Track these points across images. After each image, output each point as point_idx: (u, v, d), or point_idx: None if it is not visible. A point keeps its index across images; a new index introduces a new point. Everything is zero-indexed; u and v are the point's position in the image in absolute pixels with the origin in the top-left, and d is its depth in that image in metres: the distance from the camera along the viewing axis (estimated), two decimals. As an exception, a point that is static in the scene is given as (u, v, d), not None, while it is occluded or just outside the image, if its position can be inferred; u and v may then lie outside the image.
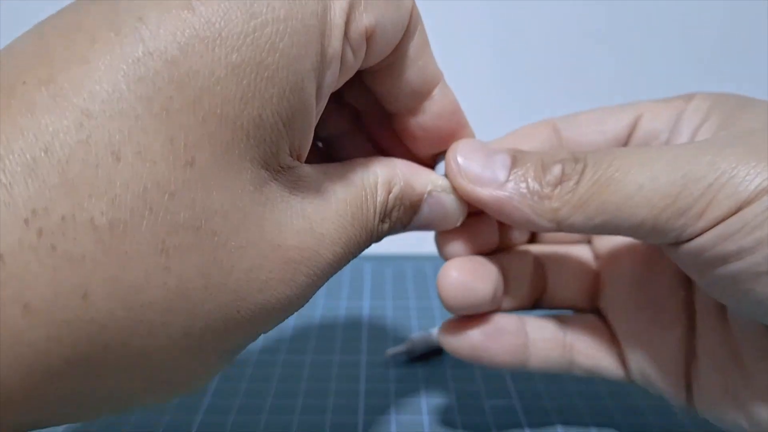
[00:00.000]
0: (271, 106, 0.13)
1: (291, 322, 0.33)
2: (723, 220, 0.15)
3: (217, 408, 0.25)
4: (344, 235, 0.16)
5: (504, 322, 0.21)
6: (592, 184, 0.17)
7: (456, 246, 0.21)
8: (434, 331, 0.30)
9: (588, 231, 0.17)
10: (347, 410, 0.25)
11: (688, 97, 0.20)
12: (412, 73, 0.18)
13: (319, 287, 0.16)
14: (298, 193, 0.15)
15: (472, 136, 0.20)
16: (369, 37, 0.15)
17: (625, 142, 0.21)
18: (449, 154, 0.19)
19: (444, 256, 0.21)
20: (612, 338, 0.22)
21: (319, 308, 0.35)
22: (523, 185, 0.18)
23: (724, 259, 0.15)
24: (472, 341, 0.21)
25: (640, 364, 0.21)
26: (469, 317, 0.21)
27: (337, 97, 0.19)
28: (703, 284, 0.17)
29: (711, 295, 0.18)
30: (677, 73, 0.43)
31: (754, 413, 0.18)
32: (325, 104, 0.16)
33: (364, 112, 0.21)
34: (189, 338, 0.13)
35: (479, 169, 0.18)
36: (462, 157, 0.19)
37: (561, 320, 0.22)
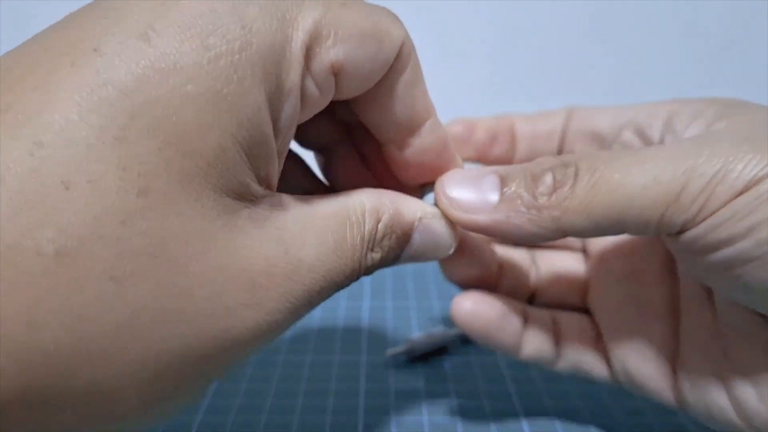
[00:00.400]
0: (230, 135, 0.13)
1: (291, 322, 0.33)
2: (719, 210, 0.15)
3: (217, 408, 0.25)
4: (326, 263, 0.16)
5: (512, 306, 0.22)
6: (591, 187, 0.17)
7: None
8: (434, 331, 0.30)
9: (593, 234, 0.17)
10: (347, 410, 0.25)
11: (685, 101, 0.20)
12: (399, 108, 0.18)
13: (297, 315, 0.16)
14: (274, 221, 0.15)
15: (455, 160, 0.20)
16: (337, 72, 0.15)
17: (614, 140, 0.22)
18: (438, 189, 0.19)
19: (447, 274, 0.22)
20: (598, 337, 0.22)
21: (318, 309, 0.35)
22: (518, 201, 0.17)
23: (717, 246, 0.16)
24: (488, 319, 0.21)
25: (624, 361, 0.21)
26: (482, 297, 0.21)
27: (329, 111, 0.19)
28: (696, 271, 0.17)
29: (703, 282, 0.18)
30: (677, 73, 0.43)
31: (743, 402, 0.18)
32: (292, 135, 0.16)
33: (356, 129, 0.21)
34: (145, 368, 0.13)
35: (470, 196, 0.18)
36: (450, 189, 0.19)
37: (553, 314, 0.23)
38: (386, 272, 0.40)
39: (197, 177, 0.13)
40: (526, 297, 0.23)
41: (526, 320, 0.22)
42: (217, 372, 0.15)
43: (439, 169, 0.19)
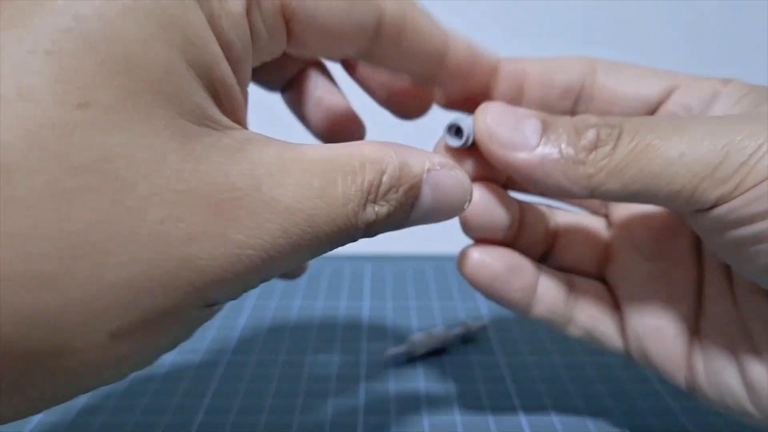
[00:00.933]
0: (176, 50, 0.13)
1: (291, 321, 0.33)
2: (756, 185, 0.15)
3: (217, 408, 0.25)
4: (308, 206, 0.14)
5: (523, 260, 0.21)
6: (630, 151, 0.16)
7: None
8: (434, 331, 0.30)
9: (621, 199, 0.17)
10: (347, 410, 0.25)
11: (726, 81, 0.20)
12: (412, 58, 0.18)
13: (279, 261, 0.14)
14: (246, 155, 0.14)
15: (493, 62, 0.20)
16: (289, 18, 0.15)
17: (654, 110, 0.20)
18: (478, 116, 0.18)
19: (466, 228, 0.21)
20: (615, 307, 0.22)
21: (319, 308, 0.35)
22: (556, 150, 0.17)
23: (749, 220, 0.16)
24: (495, 271, 0.20)
25: (641, 336, 0.21)
26: (490, 249, 0.20)
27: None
28: (720, 249, 0.17)
29: (728, 260, 0.18)
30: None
31: (758, 388, 0.18)
32: (248, 72, 0.15)
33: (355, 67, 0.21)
34: (102, 297, 0.12)
35: (509, 133, 0.18)
36: (491, 121, 0.18)
37: (568, 277, 0.22)
38: (386, 272, 0.40)
39: (145, 93, 0.13)
40: (541, 254, 0.23)
41: (538, 278, 0.21)
42: (193, 312, 0.14)
43: (480, 91, 0.20)
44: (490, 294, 0.20)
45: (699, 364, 0.20)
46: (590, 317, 0.21)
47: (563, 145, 0.17)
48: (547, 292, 0.21)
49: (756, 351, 0.18)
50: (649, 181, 0.16)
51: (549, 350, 0.30)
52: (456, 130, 0.19)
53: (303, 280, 0.39)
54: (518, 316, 0.22)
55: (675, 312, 0.20)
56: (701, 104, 0.19)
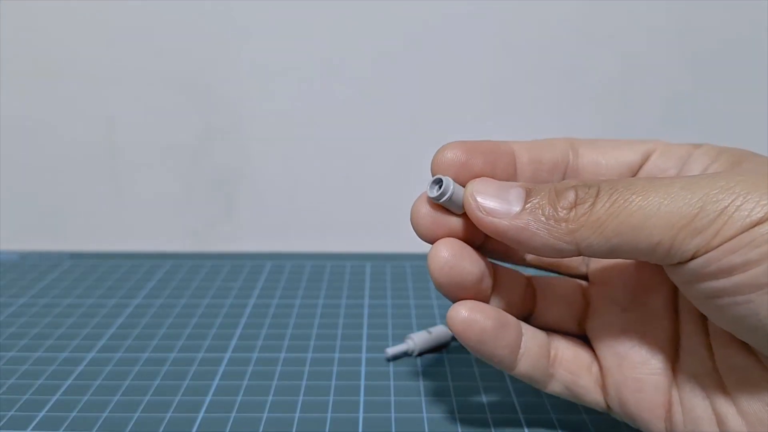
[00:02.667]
0: None
1: (291, 320, 0.33)
2: (735, 236, 0.16)
3: (218, 406, 0.26)
4: None
5: (508, 317, 0.21)
6: (609, 207, 0.17)
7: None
8: (434, 329, 0.30)
9: (604, 253, 0.18)
10: (347, 408, 0.25)
11: (698, 145, 0.21)
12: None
13: None
14: None
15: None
16: None
17: (635, 174, 0.22)
18: (467, 192, 0.20)
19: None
20: (594, 361, 0.22)
21: (319, 307, 0.35)
22: (539, 212, 0.18)
23: (729, 271, 0.16)
24: (484, 327, 0.21)
25: (620, 388, 0.21)
26: (478, 305, 0.21)
27: None
28: (701, 299, 0.18)
29: (704, 311, 0.18)
30: (676, 74, 0.43)
31: None
32: None
33: None
34: None
35: (495, 203, 0.19)
36: (478, 191, 0.19)
37: (549, 334, 0.23)
38: (386, 271, 0.40)
39: None
40: (523, 315, 0.23)
41: (521, 335, 0.22)
42: None
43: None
44: (478, 350, 0.21)
45: (677, 416, 0.20)
46: (570, 373, 0.22)
47: (545, 207, 0.18)
48: (531, 349, 0.21)
49: (732, 402, 0.19)
50: (629, 234, 0.17)
51: (548, 348, 0.30)
52: (438, 182, 0.20)
53: (304, 278, 0.39)
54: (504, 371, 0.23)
55: (652, 364, 0.21)
56: (677, 166, 0.21)
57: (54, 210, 0.46)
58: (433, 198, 0.20)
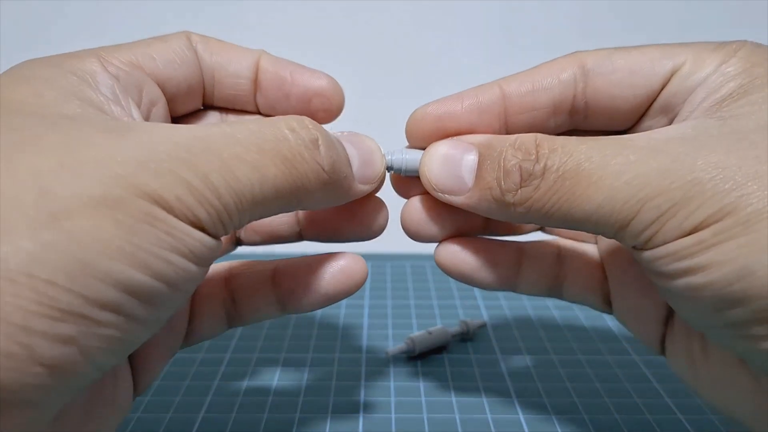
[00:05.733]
0: None
1: (291, 320, 0.33)
2: (667, 243, 0.16)
3: (219, 406, 0.26)
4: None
5: (498, 256, 0.22)
6: (554, 193, 0.17)
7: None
8: (434, 330, 0.30)
9: (559, 228, 0.19)
10: (348, 408, 0.25)
11: (733, 50, 0.18)
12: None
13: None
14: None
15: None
16: None
17: (655, 98, 0.19)
18: (420, 170, 0.20)
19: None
20: (605, 280, 0.23)
21: (319, 307, 0.35)
22: (488, 193, 0.18)
23: (671, 275, 0.16)
24: (470, 267, 0.22)
25: (623, 315, 0.22)
26: (466, 241, 0.22)
27: None
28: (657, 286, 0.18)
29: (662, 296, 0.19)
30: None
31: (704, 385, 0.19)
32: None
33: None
34: None
35: (447, 181, 0.19)
36: (431, 170, 0.20)
37: (559, 255, 0.23)
38: (386, 271, 0.40)
39: None
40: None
41: (521, 260, 0.22)
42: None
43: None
44: (471, 284, 0.22)
45: (669, 347, 0.21)
46: (577, 295, 0.23)
47: (494, 188, 0.18)
48: (531, 277, 0.22)
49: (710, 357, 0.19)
50: (573, 223, 0.17)
51: (547, 348, 0.30)
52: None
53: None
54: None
55: (653, 300, 0.21)
56: (707, 91, 0.18)
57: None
58: (388, 172, 0.21)
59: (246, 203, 0.16)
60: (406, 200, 0.22)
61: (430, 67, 0.42)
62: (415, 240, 0.22)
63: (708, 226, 0.15)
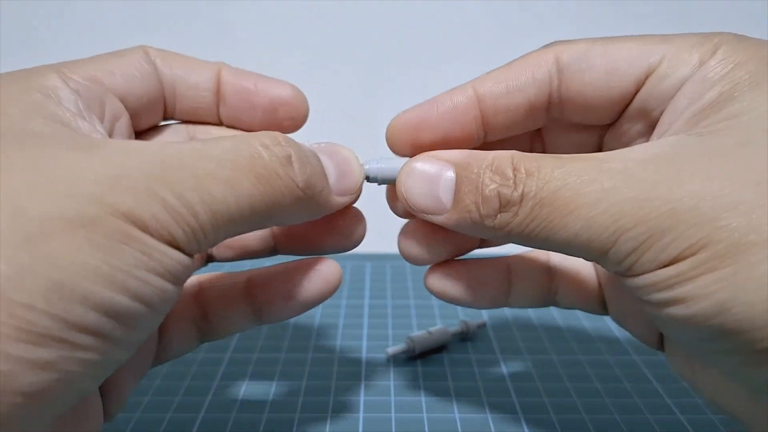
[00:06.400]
0: None
1: (291, 320, 0.33)
2: (646, 273, 0.16)
3: (218, 406, 0.26)
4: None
5: (487, 277, 0.22)
6: (532, 220, 0.17)
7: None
8: (433, 330, 0.30)
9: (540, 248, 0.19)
10: (348, 408, 0.25)
11: (713, 46, 0.18)
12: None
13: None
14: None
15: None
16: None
17: (631, 100, 0.19)
18: (399, 188, 0.20)
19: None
20: (599, 286, 0.23)
21: (319, 307, 0.35)
22: (467, 216, 0.18)
23: (655, 304, 0.16)
24: (459, 292, 0.22)
25: (620, 318, 0.23)
26: (454, 266, 0.22)
27: None
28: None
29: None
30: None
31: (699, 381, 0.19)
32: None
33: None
34: None
35: (425, 201, 0.19)
36: (407, 192, 0.19)
37: (549, 266, 0.23)
38: (386, 271, 0.40)
39: None
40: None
41: (510, 278, 0.22)
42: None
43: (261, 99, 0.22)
44: (466, 306, 0.22)
45: (668, 344, 0.21)
46: (571, 303, 0.23)
47: (473, 212, 0.18)
48: (522, 293, 0.23)
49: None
50: (554, 247, 0.17)
51: (547, 348, 0.30)
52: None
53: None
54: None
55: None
56: (690, 95, 0.18)
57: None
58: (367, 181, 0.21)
59: (222, 221, 0.15)
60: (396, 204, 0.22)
61: (431, 67, 0.42)
62: (415, 265, 0.22)
63: (686, 258, 0.15)
